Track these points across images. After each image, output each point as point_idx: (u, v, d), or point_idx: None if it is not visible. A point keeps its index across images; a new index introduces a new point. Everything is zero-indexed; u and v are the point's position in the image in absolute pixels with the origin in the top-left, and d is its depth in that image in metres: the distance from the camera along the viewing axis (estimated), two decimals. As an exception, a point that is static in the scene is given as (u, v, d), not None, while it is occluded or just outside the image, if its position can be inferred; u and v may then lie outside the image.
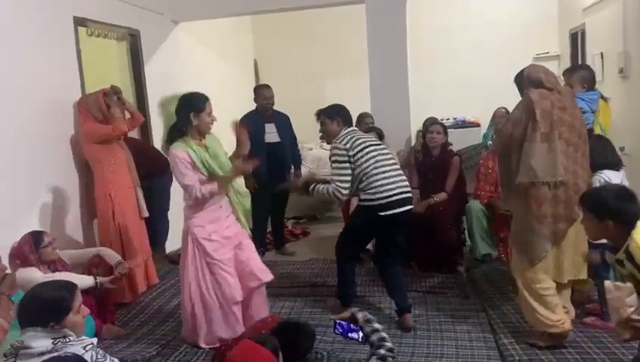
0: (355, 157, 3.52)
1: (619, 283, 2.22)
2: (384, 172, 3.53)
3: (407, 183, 3.66)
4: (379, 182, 3.50)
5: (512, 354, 3.11)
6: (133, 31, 5.11)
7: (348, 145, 3.54)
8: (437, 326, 3.59)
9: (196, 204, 3.32)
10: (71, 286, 2.30)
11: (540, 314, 3.07)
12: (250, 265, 3.47)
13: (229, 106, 6.66)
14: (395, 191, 3.52)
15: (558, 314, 3.08)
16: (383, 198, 3.48)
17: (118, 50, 5.11)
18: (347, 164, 3.52)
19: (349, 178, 3.52)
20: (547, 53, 7.62)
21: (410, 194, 3.63)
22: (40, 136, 3.88)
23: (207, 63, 6.71)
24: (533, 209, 3.00)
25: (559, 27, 7.88)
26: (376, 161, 3.54)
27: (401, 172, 3.69)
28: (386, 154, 3.66)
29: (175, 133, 3.33)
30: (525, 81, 3.22)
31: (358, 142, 3.57)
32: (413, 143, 5.68)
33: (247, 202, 3.64)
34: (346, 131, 3.67)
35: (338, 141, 3.60)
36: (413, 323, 3.60)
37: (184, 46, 6.07)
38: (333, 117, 3.73)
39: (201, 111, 3.25)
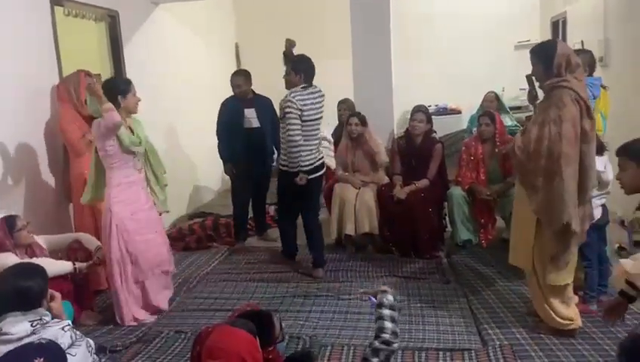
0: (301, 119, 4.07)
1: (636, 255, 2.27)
2: (312, 143, 4.18)
3: (321, 151, 4.38)
4: (305, 152, 4.11)
5: (493, 338, 3.15)
6: (111, 12, 4.98)
7: (300, 107, 4.05)
8: (418, 311, 3.61)
9: (117, 183, 3.51)
10: (38, 268, 2.37)
11: (555, 312, 3.06)
12: (161, 252, 3.76)
13: (209, 90, 6.59)
14: (317, 159, 4.24)
15: (572, 309, 3.09)
16: (308, 165, 4.14)
17: (97, 31, 4.98)
18: (298, 119, 4.05)
19: (299, 127, 4.04)
20: (528, 40, 7.65)
21: (323, 160, 4.35)
22: (15, 119, 3.77)
23: (187, 46, 6.60)
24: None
25: (540, 15, 7.95)
26: (310, 134, 4.14)
27: (319, 142, 4.37)
28: (318, 126, 4.26)
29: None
30: (561, 60, 2.88)
31: (308, 113, 4.09)
32: (395, 129, 5.68)
33: (163, 193, 3.96)
34: (303, 93, 4.10)
35: (295, 98, 4.05)
36: (323, 274, 4.29)
37: (164, 28, 5.96)
38: (298, 71, 4.15)
39: (128, 93, 3.52)
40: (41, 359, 1.99)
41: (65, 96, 4.00)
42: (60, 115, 4.01)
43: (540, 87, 3.05)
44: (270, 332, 2.42)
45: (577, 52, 3.58)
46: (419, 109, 4.88)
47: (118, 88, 3.49)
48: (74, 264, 3.42)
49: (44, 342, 2.09)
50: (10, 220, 3.32)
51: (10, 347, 2.07)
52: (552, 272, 3.01)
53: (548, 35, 7.41)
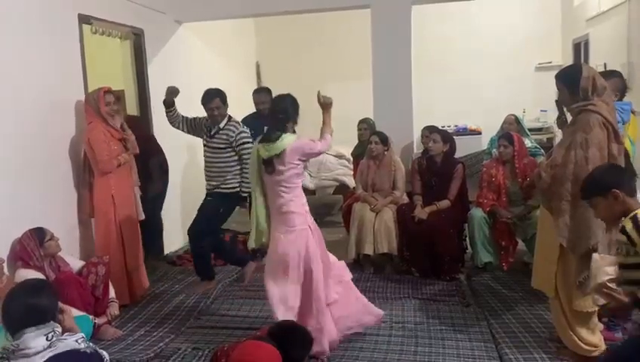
0: None
1: (604, 255, 2.33)
2: None
3: None
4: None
5: (515, 363, 3.09)
6: (137, 30, 5.08)
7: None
8: (438, 334, 3.56)
9: (303, 202, 3.33)
10: (46, 283, 2.47)
11: (580, 338, 2.99)
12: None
13: (230, 107, 6.64)
14: None
15: (597, 336, 3.03)
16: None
17: (122, 48, 5.08)
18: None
19: None
20: (550, 62, 7.63)
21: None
22: (39, 134, 3.82)
23: (209, 64, 6.68)
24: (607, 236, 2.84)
25: (562, 37, 7.91)
26: None
27: None
28: None
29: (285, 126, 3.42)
30: (587, 84, 2.85)
31: None
32: (415, 149, 5.68)
33: None
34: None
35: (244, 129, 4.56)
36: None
37: (187, 46, 6.06)
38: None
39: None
40: None
41: (90, 112, 4.03)
42: (88, 132, 4.01)
43: (568, 110, 3.03)
44: (297, 349, 2.46)
45: (606, 74, 3.50)
46: (434, 130, 4.88)
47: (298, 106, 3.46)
48: (94, 319, 3.46)
49: (88, 351, 2.17)
50: (39, 231, 3.45)
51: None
52: (578, 298, 2.94)
53: (570, 57, 7.37)
